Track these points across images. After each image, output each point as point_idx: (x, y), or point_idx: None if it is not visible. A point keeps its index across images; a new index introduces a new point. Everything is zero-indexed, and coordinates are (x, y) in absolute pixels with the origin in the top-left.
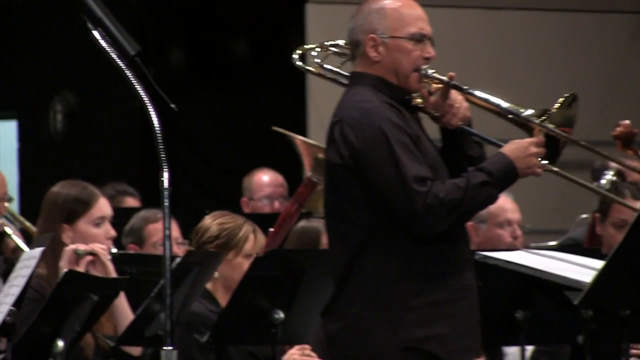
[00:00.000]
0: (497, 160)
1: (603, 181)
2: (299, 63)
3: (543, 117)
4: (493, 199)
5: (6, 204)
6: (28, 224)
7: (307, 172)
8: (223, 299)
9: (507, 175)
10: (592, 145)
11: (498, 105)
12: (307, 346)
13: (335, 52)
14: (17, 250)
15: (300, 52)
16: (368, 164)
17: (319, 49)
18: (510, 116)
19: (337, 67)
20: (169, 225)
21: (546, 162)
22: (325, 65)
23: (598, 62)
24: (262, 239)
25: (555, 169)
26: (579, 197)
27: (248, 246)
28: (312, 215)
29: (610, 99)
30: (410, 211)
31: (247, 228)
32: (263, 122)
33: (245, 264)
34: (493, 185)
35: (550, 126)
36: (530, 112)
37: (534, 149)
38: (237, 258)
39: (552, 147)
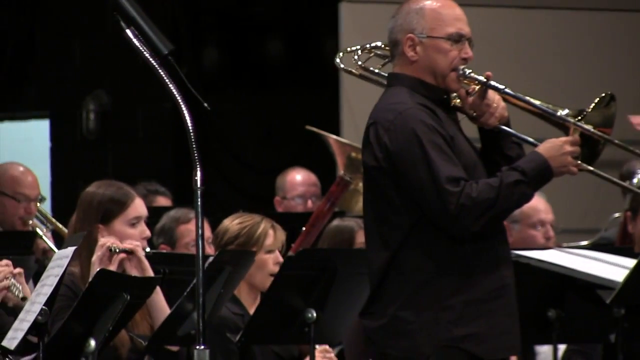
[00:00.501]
0: (531, 159)
1: (635, 180)
2: (342, 66)
3: (579, 117)
4: (528, 197)
5: (38, 205)
6: (60, 225)
7: (340, 171)
8: (247, 299)
9: (541, 174)
10: (626, 145)
11: (535, 105)
12: (329, 348)
13: (376, 54)
14: (48, 252)
15: (342, 54)
16: (402, 166)
17: (360, 51)
18: (546, 116)
19: (378, 69)
20: (202, 225)
21: (582, 162)
22: (366, 67)
23: (632, 60)
24: (281, 234)
25: (591, 168)
26: (611, 197)
27: (268, 242)
28: (345, 214)
29: None
30: (444, 212)
31: (265, 224)
32: (296, 122)
33: (269, 261)
34: (527, 184)
35: (586, 126)
36: (566, 111)
37: (568, 148)
38: (260, 255)
39: (591, 148)
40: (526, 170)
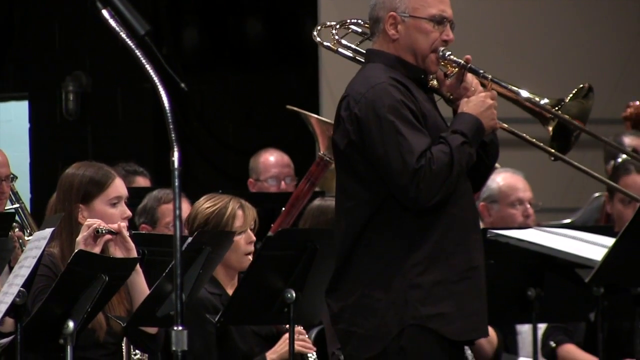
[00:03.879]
0: (464, 119)
1: (619, 159)
2: (318, 39)
3: (557, 107)
4: (473, 157)
5: (12, 184)
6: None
7: (321, 151)
8: (225, 279)
9: (477, 132)
10: (603, 123)
11: (513, 91)
12: (302, 330)
13: (354, 31)
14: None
15: (319, 28)
16: (368, 137)
17: (338, 26)
18: (525, 103)
19: (356, 45)
20: (179, 205)
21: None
22: (343, 42)
23: (609, 42)
24: (251, 212)
25: (565, 157)
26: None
27: (238, 223)
28: (325, 194)
29: (622, 78)
30: (410, 188)
31: (232, 205)
32: (276, 102)
33: (241, 241)
34: (470, 144)
35: (564, 115)
36: (545, 100)
37: (490, 101)
38: None
39: (565, 138)
40: (465, 131)
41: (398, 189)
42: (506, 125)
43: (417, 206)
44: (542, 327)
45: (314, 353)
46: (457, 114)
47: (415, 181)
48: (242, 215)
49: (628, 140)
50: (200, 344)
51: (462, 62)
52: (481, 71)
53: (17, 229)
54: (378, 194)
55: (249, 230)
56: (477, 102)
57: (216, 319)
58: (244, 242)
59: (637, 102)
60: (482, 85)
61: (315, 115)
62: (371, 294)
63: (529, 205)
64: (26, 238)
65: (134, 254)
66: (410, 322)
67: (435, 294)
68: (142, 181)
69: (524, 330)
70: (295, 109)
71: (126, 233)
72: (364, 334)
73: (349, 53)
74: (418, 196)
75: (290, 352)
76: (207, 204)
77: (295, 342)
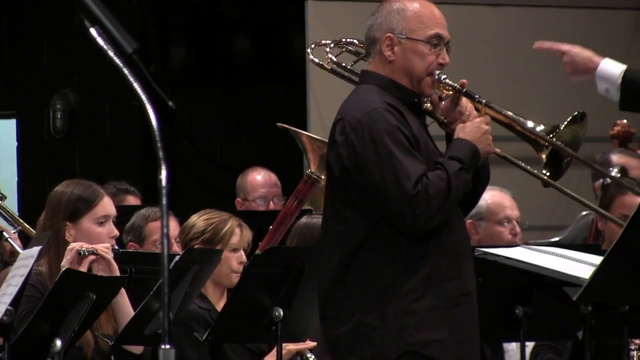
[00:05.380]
0: (460, 146)
1: (613, 172)
2: (312, 57)
3: (552, 134)
4: (469, 183)
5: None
6: (27, 226)
7: (311, 168)
8: (213, 295)
9: (473, 158)
10: (591, 141)
11: (508, 117)
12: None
13: (348, 50)
14: (15, 253)
15: (313, 46)
16: (365, 165)
17: (332, 45)
18: (517, 128)
19: (350, 65)
20: (167, 224)
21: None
22: (337, 62)
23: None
24: (248, 233)
25: (558, 184)
26: (578, 194)
27: (234, 240)
28: (312, 212)
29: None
30: (406, 214)
31: (232, 222)
32: (264, 119)
33: (233, 259)
34: (466, 170)
35: (557, 143)
36: (540, 127)
37: (485, 126)
38: (224, 252)
39: (556, 164)
40: (462, 158)
41: (395, 215)
42: (499, 150)
43: (415, 232)
44: (530, 345)
45: (313, 354)
46: (453, 139)
47: (412, 207)
48: (239, 234)
49: (615, 158)
50: (194, 356)
51: (458, 86)
52: (476, 96)
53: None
54: (372, 219)
55: (241, 251)
56: (473, 127)
57: (204, 337)
58: (236, 261)
59: (624, 121)
60: (477, 109)
61: (307, 133)
62: (367, 321)
63: (516, 223)
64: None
65: (117, 272)
66: (406, 349)
67: (430, 320)
68: (132, 200)
69: (512, 348)
70: (286, 126)
71: (110, 255)
72: None
73: (342, 72)
74: (416, 222)
75: None
76: (205, 216)
77: (293, 344)
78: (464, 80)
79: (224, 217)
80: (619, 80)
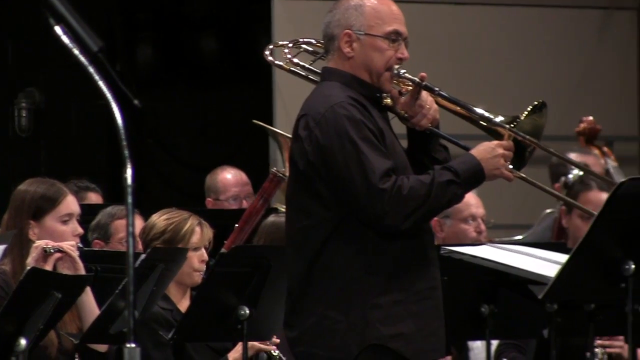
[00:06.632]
0: (464, 160)
1: (570, 176)
2: (270, 59)
3: (512, 124)
4: (458, 198)
5: None
6: None
7: (287, 167)
8: (176, 295)
9: (473, 176)
10: (557, 140)
11: (469, 109)
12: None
13: (306, 50)
14: None
15: (272, 47)
16: (331, 160)
17: (291, 46)
18: (479, 121)
19: (309, 64)
20: (132, 222)
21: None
22: (296, 62)
23: (564, 57)
24: (208, 232)
25: (522, 175)
26: (543, 192)
27: (194, 239)
28: (277, 210)
29: (576, 95)
30: (373, 209)
31: (192, 221)
32: (230, 118)
33: (194, 258)
34: (459, 185)
35: (520, 133)
36: (500, 118)
37: (500, 150)
38: None
39: (519, 155)
40: (459, 171)
41: (361, 208)
42: (512, 176)
43: (381, 227)
44: (495, 343)
45: (277, 351)
46: (466, 153)
47: (380, 202)
48: (199, 232)
49: (574, 157)
50: (158, 357)
51: (417, 79)
52: (436, 89)
53: None
54: (338, 213)
55: (202, 249)
56: (487, 147)
57: (169, 336)
58: (197, 260)
59: (590, 118)
60: (437, 103)
61: (284, 133)
62: (331, 314)
63: (481, 222)
64: None
65: (82, 271)
66: (371, 342)
67: (395, 314)
68: (94, 197)
69: (476, 346)
70: (263, 124)
71: (75, 253)
72: (325, 355)
73: (301, 72)
74: (383, 218)
75: None
76: (165, 216)
77: (258, 342)
78: (423, 74)
79: (183, 216)
80: None
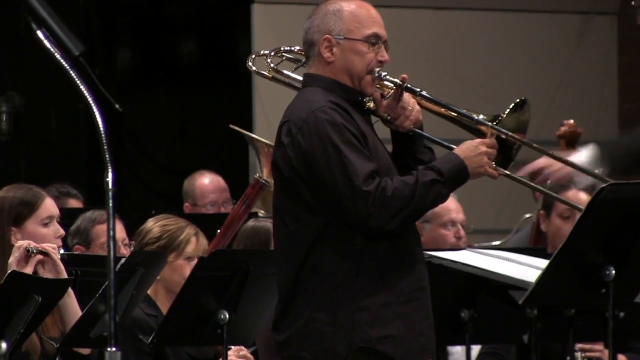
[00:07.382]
0: (448, 159)
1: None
2: (254, 68)
3: (494, 122)
4: (443, 197)
5: None
6: None
7: (264, 173)
8: (164, 302)
9: (458, 174)
10: (539, 144)
11: (451, 109)
12: (243, 348)
13: (288, 58)
14: None
15: (254, 56)
16: (314, 165)
17: (272, 54)
18: (461, 120)
19: (291, 72)
20: (113, 226)
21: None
22: (279, 70)
23: (543, 62)
24: (204, 242)
25: (507, 172)
26: (522, 197)
27: (189, 249)
28: (258, 215)
29: (556, 99)
30: (357, 211)
31: (189, 231)
32: (209, 122)
33: (187, 267)
34: (443, 184)
35: (502, 130)
36: (481, 117)
37: (484, 148)
38: (178, 260)
39: (505, 153)
40: (442, 170)
41: (346, 212)
42: (496, 174)
43: (367, 230)
44: (475, 348)
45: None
46: (448, 152)
47: (364, 204)
48: (195, 243)
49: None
50: None
51: (399, 81)
52: (418, 89)
53: None
54: (324, 217)
55: (196, 259)
56: (470, 146)
57: (149, 340)
58: (190, 269)
59: (571, 121)
60: (420, 105)
61: (261, 139)
62: (318, 317)
63: (461, 227)
64: None
65: (64, 275)
66: (359, 345)
67: (383, 316)
68: (74, 203)
69: (456, 351)
70: (240, 130)
71: (57, 255)
72: (313, 358)
73: (285, 80)
74: (368, 220)
75: None
76: (163, 221)
77: (236, 357)
78: (405, 75)
79: (180, 224)
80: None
